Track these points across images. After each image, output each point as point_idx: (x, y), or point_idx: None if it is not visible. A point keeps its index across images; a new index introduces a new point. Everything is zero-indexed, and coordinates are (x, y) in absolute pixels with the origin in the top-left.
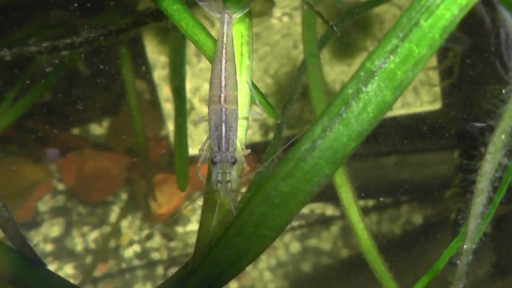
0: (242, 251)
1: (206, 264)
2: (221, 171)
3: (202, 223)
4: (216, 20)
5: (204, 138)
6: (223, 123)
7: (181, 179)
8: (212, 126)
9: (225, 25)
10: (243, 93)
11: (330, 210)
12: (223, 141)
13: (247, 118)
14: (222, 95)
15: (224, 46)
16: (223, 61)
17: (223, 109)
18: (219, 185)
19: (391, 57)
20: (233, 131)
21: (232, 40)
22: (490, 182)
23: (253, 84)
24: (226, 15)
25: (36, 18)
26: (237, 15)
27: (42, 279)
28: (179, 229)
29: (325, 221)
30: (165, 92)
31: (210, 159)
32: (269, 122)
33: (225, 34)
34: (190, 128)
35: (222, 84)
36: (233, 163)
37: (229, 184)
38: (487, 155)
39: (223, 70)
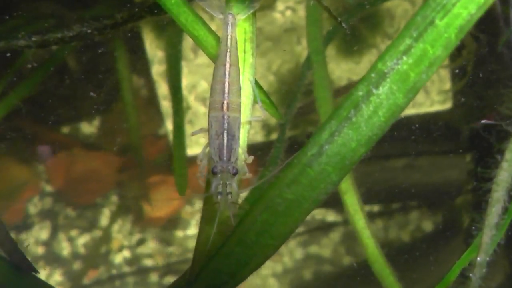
0: (243, 261)
1: (205, 274)
2: (221, 182)
3: (201, 231)
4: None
5: (202, 138)
6: (225, 131)
7: (180, 182)
8: (212, 134)
9: (229, 27)
10: (246, 93)
11: (331, 216)
12: (225, 151)
13: (249, 122)
14: (225, 102)
15: (228, 50)
16: (227, 65)
17: (225, 117)
18: (219, 196)
19: (404, 58)
20: (236, 140)
21: (236, 43)
22: (506, 191)
23: (256, 82)
24: (230, 16)
25: (25, 10)
26: (241, 16)
27: (32, 287)
28: (179, 234)
29: (326, 228)
30: (163, 89)
31: (210, 169)
32: (271, 122)
33: (229, 37)
34: (189, 127)
35: (225, 91)
36: (235, 174)
37: (229, 196)
38: (504, 163)
39: (227, 76)
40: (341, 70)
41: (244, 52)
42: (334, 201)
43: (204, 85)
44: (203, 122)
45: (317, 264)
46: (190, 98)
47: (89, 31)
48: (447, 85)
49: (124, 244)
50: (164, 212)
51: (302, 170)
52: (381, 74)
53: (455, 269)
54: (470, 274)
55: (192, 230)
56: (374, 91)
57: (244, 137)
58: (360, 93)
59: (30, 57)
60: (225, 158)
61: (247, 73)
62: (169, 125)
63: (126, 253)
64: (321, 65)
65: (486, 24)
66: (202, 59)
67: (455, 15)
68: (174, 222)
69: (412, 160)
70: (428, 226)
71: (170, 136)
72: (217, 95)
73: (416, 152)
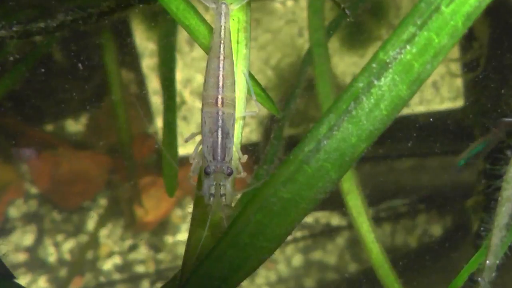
0: (236, 265)
1: (196, 278)
2: (214, 183)
3: (191, 233)
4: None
5: (197, 136)
6: (219, 128)
7: (169, 183)
8: (206, 132)
9: (222, 18)
10: (240, 87)
11: (336, 220)
12: (219, 150)
13: (243, 118)
14: (219, 97)
15: (222, 42)
16: (221, 58)
17: (220, 113)
18: (211, 198)
19: (408, 47)
20: (230, 139)
21: (230, 34)
22: None
23: (250, 75)
24: (223, 6)
25: None
26: (235, 6)
27: None
28: (168, 239)
29: (331, 232)
30: (154, 84)
31: (202, 169)
32: (269, 119)
33: (222, 28)
34: (181, 125)
35: (220, 85)
36: (229, 174)
37: (223, 198)
38: None
39: (221, 69)
40: (345, 64)
41: (238, 42)
42: (341, 204)
43: (200, 79)
44: (198, 118)
45: (320, 271)
46: (185, 93)
47: (73, 20)
48: (458, 81)
49: (114, 250)
50: (153, 216)
51: (299, 167)
52: (383, 64)
53: (463, 274)
54: (479, 278)
55: (184, 235)
56: (376, 82)
57: (238, 133)
58: (361, 85)
59: (12, 48)
60: (219, 158)
61: (241, 65)
62: (159, 123)
63: (116, 260)
64: (323, 58)
65: (499, 15)
66: (198, 52)
67: (462, 1)
68: (164, 226)
69: (420, 160)
70: (436, 230)
71: (161, 134)
72: (210, 89)
73: (425, 152)
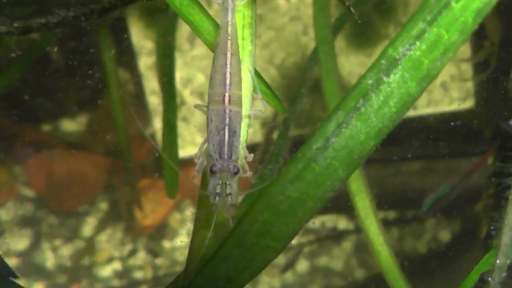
0: (242, 265)
1: (200, 279)
2: (220, 182)
3: (194, 234)
4: None
5: (197, 137)
6: (227, 127)
7: (170, 184)
8: (212, 130)
9: (229, 14)
10: (245, 84)
11: (343, 223)
12: (226, 148)
13: (249, 116)
14: (227, 95)
15: (229, 38)
16: (228, 55)
17: (227, 111)
18: (217, 198)
19: (417, 43)
20: (237, 137)
21: (237, 30)
22: None
23: (256, 72)
24: (229, 2)
25: None
26: (240, 2)
27: None
28: (166, 244)
29: (337, 236)
30: (152, 83)
31: (208, 168)
32: (272, 119)
33: (229, 24)
34: (181, 126)
35: (227, 82)
36: (235, 173)
37: (229, 197)
38: None
39: (228, 66)
40: (352, 64)
41: (243, 39)
42: (348, 207)
43: (201, 79)
44: (198, 119)
45: (327, 277)
46: (185, 93)
47: (74, 16)
48: (469, 81)
49: (113, 255)
50: (151, 219)
51: (307, 165)
52: (392, 60)
53: (472, 275)
54: (489, 278)
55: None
56: (385, 79)
57: (244, 132)
58: (370, 82)
59: (12, 45)
60: (225, 156)
61: (246, 62)
62: (157, 124)
63: (116, 265)
64: (330, 57)
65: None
66: (198, 50)
67: None
68: (162, 230)
69: (428, 162)
70: (445, 234)
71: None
72: (217, 86)
73: (433, 154)
